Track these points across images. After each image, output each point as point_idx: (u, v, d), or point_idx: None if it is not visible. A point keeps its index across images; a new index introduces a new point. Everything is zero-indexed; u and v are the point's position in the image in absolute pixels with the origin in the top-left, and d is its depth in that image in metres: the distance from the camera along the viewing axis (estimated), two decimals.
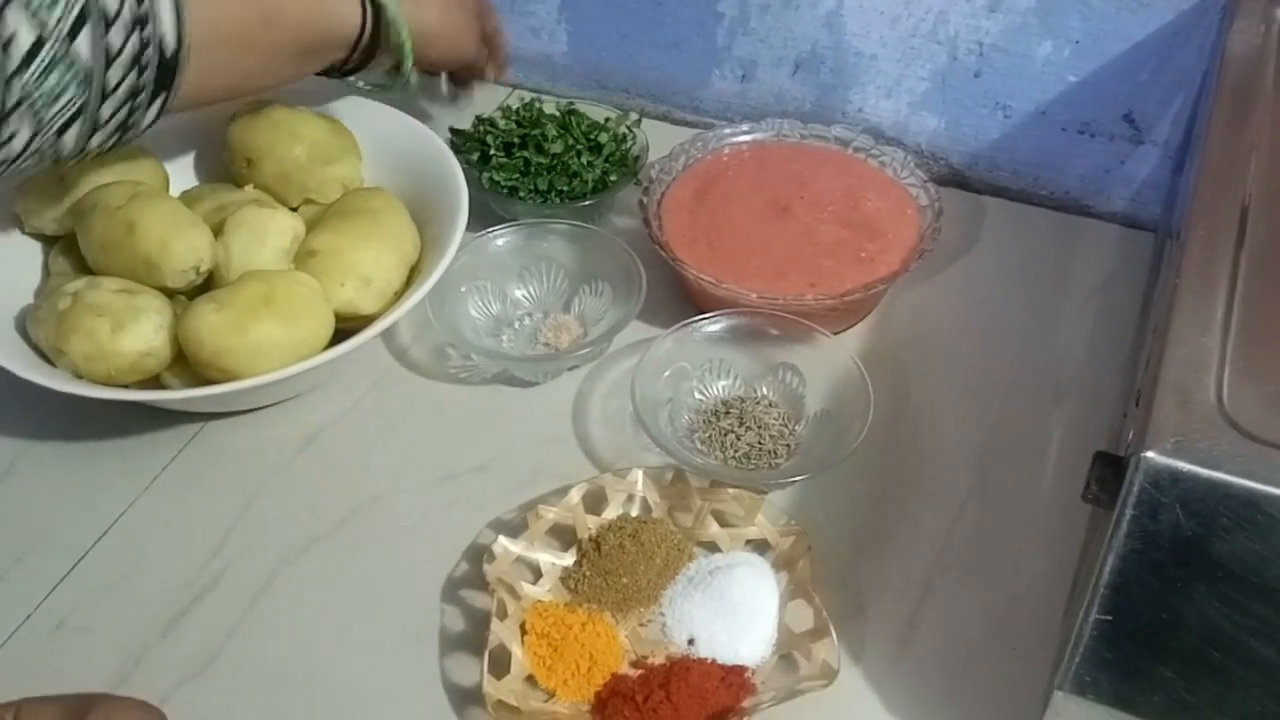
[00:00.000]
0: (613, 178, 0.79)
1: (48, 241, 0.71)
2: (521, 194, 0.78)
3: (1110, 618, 0.44)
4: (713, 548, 0.61)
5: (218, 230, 0.67)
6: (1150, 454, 0.41)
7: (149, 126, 0.59)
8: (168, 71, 0.57)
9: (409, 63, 0.69)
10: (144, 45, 0.55)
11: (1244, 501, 0.40)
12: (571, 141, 0.80)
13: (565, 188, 0.78)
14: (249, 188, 0.73)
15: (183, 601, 0.60)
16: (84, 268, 0.68)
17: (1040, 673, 0.53)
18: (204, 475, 0.66)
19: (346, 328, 0.66)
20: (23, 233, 0.71)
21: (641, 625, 0.58)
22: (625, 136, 0.82)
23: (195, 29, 0.57)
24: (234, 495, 0.65)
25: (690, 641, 0.57)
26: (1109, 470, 0.45)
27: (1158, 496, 0.41)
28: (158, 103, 0.58)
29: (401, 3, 0.67)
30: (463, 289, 0.72)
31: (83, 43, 0.52)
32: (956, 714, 0.55)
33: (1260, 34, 0.64)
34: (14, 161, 0.53)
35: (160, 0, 0.55)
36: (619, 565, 0.59)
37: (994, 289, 0.77)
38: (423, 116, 0.79)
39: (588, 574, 0.59)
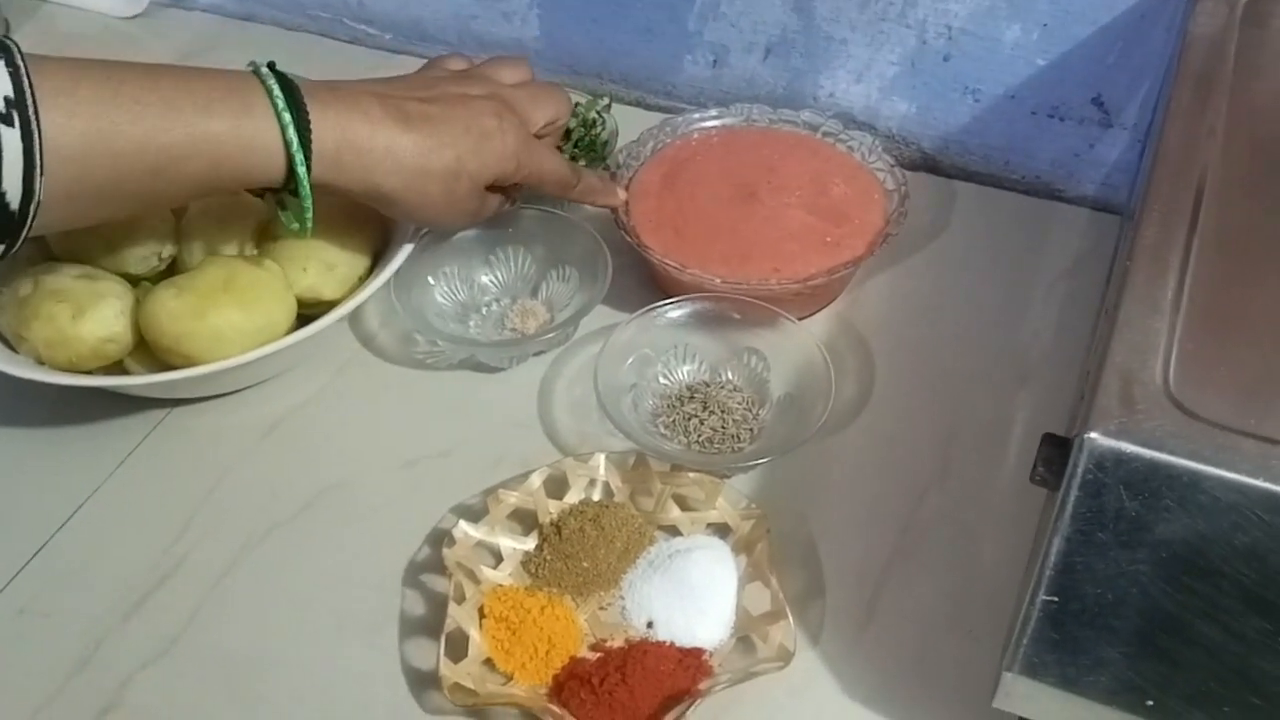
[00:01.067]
0: (582, 163, 0.79)
1: None
2: None
3: (1056, 599, 0.44)
4: (674, 531, 0.61)
5: (180, 215, 0.67)
6: (1094, 435, 0.41)
7: None
8: (7, 224, 0.51)
9: (307, 222, 0.61)
10: None
11: (1187, 483, 0.40)
12: None
13: None
14: None
15: (144, 587, 0.60)
16: (47, 253, 0.68)
17: (997, 655, 0.53)
18: (168, 461, 0.66)
19: (310, 314, 0.66)
20: None
21: (601, 609, 0.59)
22: (595, 121, 0.82)
23: (55, 181, 0.51)
24: (197, 481, 0.65)
25: (649, 624, 0.57)
26: (1055, 452, 0.45)
27: (1101, 478, 0.42)
28: None
29: (344, 162, 0.59)
30: (428, 275, 0.72)
31: None
32: (913, 696, 0.55)
33: (1224, 16, 0.64)
34: None
35: (4, 147, 0.49)
36: (579, 549, 0.59)
37: (962, 274, 0.77)
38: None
39: (548, 558, 0.59)
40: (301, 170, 0.57)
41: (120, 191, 0.54)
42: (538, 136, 0.67)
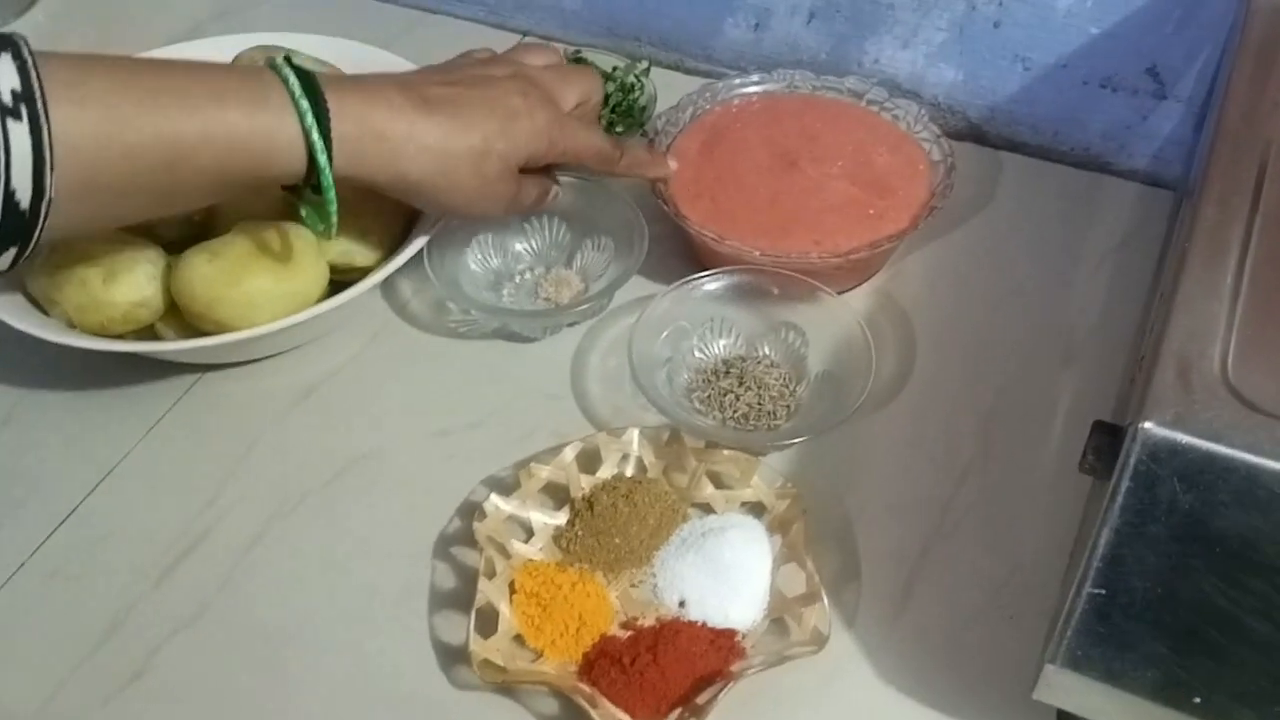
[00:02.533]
0: (619, 129, 0.77)
1: None
2: None
3: (1104, 591, 0.43)
4: (707, 509, 0.60)
5: None
6: (1148, 424, 0.40)
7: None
8: (19, 224, 0.49)
9: (331, 222, 0.58)
10: None
11: (1244, 476, 0.39)
12: None
13: None
14: None
15: (175, 552, 0.60)
16: None
17: (1037, 643, 0.51)
18: (200, 427, 0.66)
19: (343, 279, 0.66)
20: None
21: (633, 586, 0.58)
22: (633, 86, 0.80)
23: (66, 178, 0.49)
24: (229, 447, 0.65)
25: (681, 604, 0.56)
26: (1106, 440, 0.44)
27: (1155, 469, 0.40)
28: (7, 255, 0.50)
29: (367, 151, 0.57)
30: (463, 243, 0.71)
31: None
32: (949, 683, 0.54)
33: None
34: None
35: (12, 142, 0.47)
36: (611, 525, 0.58)
37: (1007, 248, 0.75)
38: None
39: (580, 533, 0.59)
40: (323, 159, 0.55)
41: (133, 187, 0.52)
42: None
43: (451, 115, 0.58)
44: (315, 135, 0.54)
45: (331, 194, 0.56)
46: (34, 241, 0.50)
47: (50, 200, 0.49)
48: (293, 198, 0.59)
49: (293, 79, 0.55)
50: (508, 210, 0.63)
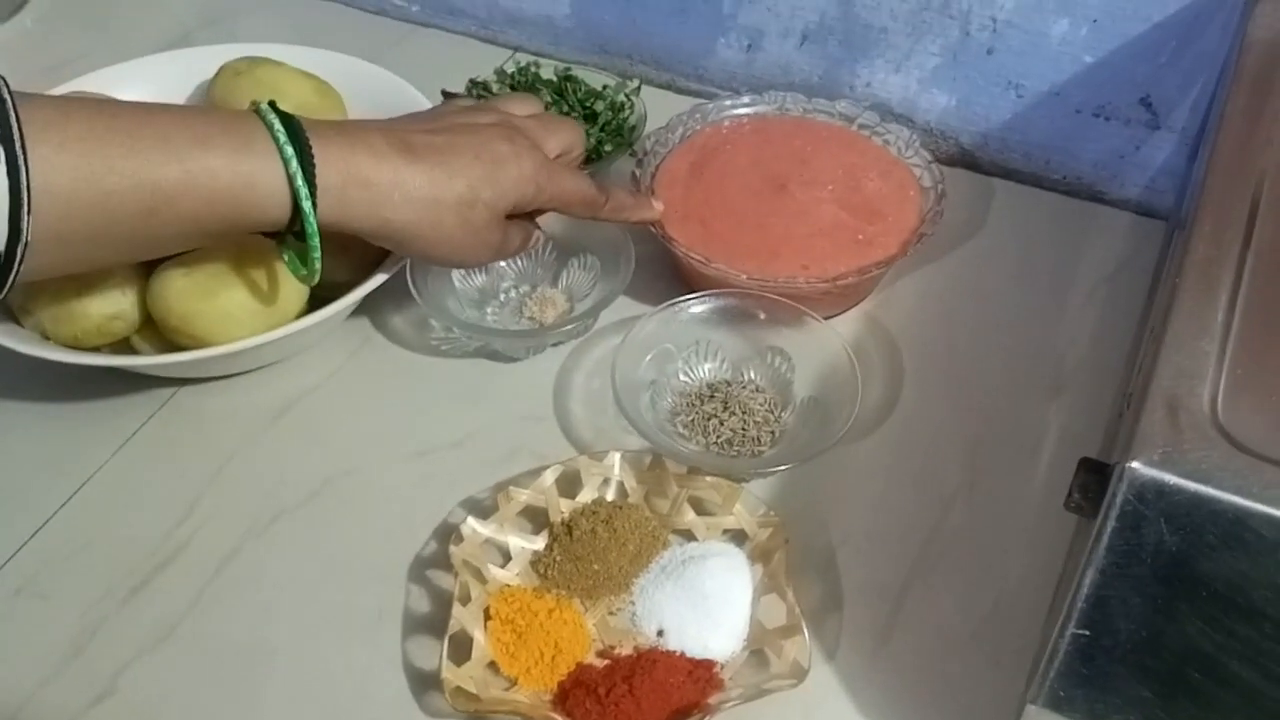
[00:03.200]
0: (608, 148, 0.77)
1: None
2: None
3: (1087, 633, 0.42)
4: (688, 536, 0.59)
5: None
6: (1135, 464, 0.39)
7: None
8: None
9: (315, 268, 0.57)
10: None
11: (1233, 519, 0.38)
12: (566, 109, 0.77)
13: None
14: None
15: (145, 570, 0.59)
16: None
17: (1019, 680, 0.51)
18: (173, 443, 0.65)
19: (323, 295, 0.65)
20: None
21: (611, 614, 0.57)
22: (623, 105, 0.80)
23: (44, 222, 0.48)
24: (203, 463, 0.64)
25: (660, 633, 0.55)
26: (1093, 478, 0.43)
27: (1141, 509, 0.39)
28: None
29: (351, 198, 0.55)
30: None
31: None
32: (930, 718, 0.53)
33: None
34: None
35: None
36: (590, 551, 0.57)
37: (997, 276, 0.74)
38: None
39: (558, 559, 0.58)
40: (307, 206, 0.53)
41: (112, 233, 0.51)
42: None
43: (437, 163, 0.57)
44: (300, 182, 0.53)
45: (316, 240, 0.55)
46: (9, 285, 0.49)
47: (27, 244, 0.48)
48: (275, 243, 0.58)
49: (277, 124, 0.53)
50: (493, 258, 0.62)
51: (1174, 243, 0.62)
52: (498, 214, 0.59)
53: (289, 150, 0.53)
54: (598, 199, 0.64)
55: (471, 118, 0.62)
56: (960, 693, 0.54)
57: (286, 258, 0.59)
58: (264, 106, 0.54)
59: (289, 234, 0.56)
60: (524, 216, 0.63)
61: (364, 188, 0.55)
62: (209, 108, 0.53)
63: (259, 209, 0.53)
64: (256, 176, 0.53)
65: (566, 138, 0.64)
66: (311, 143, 0.54)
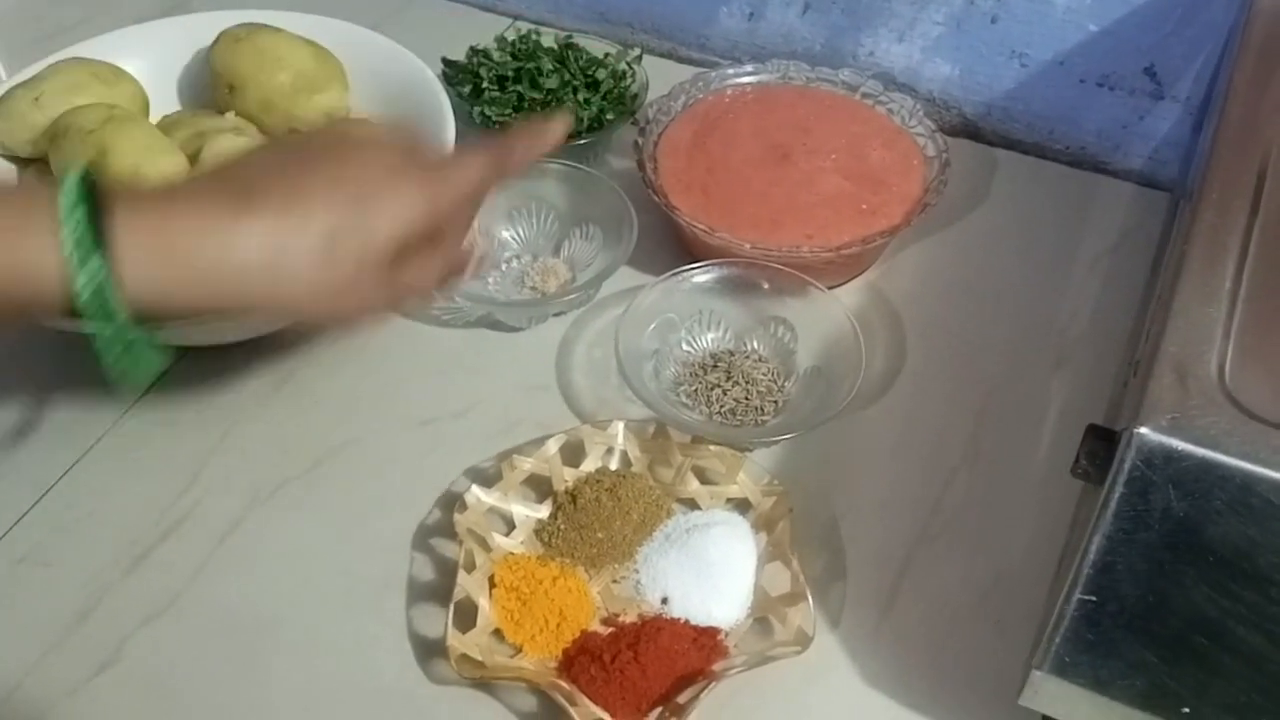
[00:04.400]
0: (609, 116, 0.76)
1: (22, 164, 0.69)
2: None
3: (1094, 598, 0.42)
4: (692, 505, 0.59)
5: (194, 158, 0.65)
6: (1144, 430, 0.39)
7: None
8: None
9: (128, 370, 0.45)
10: None
11: (1240, 484, 0.38)
12: (568, 77, 0.77)
13: None
14: (230, 115, 0.71)
15: (148, 539, 0.59)
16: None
17: (1023, 648, 0.51)
18: (176, 410, 0.65)
19: None
20: None
21: (615, 582, 0.57)
22: (624, 74, 0.79)
23: None
24: (206, 432, 0.64)
25: (664, 600, 0.55)
26: (1100, 445, 0.43)
27: (1149, 475, 0.39)
28: None
29: (160, 276, 0.43)
30: None
31: None
32: (934, 686, 0.53)
33: None
34: None
35: None
36: (594, 519, 0.57)
37: (1000, 247, 0.74)
38: None
39: (562, 527, 0.58)
40: (81, 283, 0.41)
41: None
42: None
43: (283, 208, 0.45)
44: (70, 252, 0.41)
45: (109, 330, 0.43)
46: None
47: None
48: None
49: (72, 194, 0.42)
50: (388, 309, 0.51)
51: (1180, 212, 0.62)
52: (376, 260, 0.46)
53: (72, 223, 0.41)
54: (503, 165, 0.52)
55: (334, 137, 0.51)
56: (964, 660, 0.54)
57: (100, 349, 0.45)
58: (71, 175, 0.43)
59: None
60: (440, 240, 0.50)
61: (184, 263, 0.43)
62: (9, 184, 0.45)
63: (28, 290, 0.42)
64: (30, 255, 0.42)
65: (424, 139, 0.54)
66: (116, 213, 0.42)
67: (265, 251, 0.44)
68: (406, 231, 0.47)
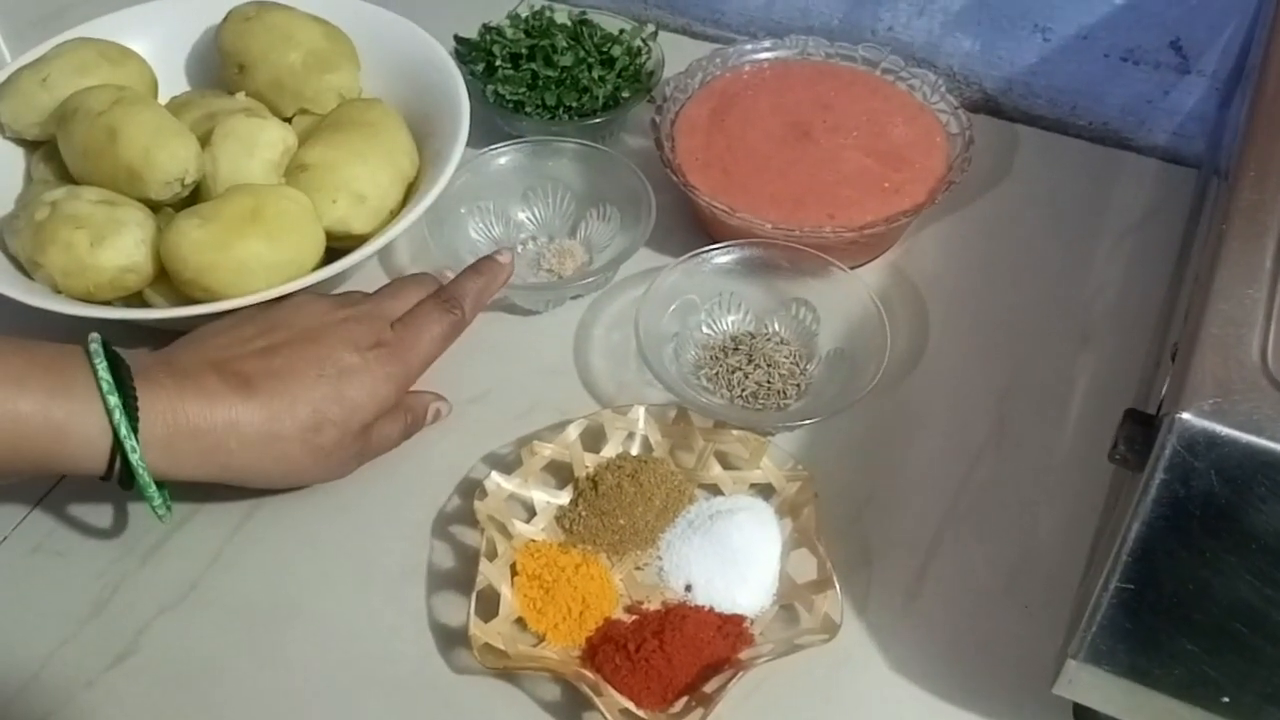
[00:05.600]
0: (625, 94, 0.75)
1: (29, 147, 0.68)
2: (528, 109, 0.74)
3: (1132, 586, 0.42)
4: (715, 490, 0.59)
5: (205, 140, 0.64)
6: (1186, 415, 0.38)
7: None
8: None
9: (158, 514, 0.52)
10: None
11: None
12: (583, 54, 0.75)
13: (574, 104, 0.74)
14: (240, 95, 0.70)
15: (163, 528, 0.58)
16: (66, 176, 0.65)
17: (1052, 633, 0.50)
18: None
19: (338, 247, 0.63)
20: (3, 137, 0.68)
21: (638, 569, 0.56)
22: (640, 50, 0.78)
23: None
24: None
25: (687, 588, 0.55)
26: (1139, 430, 0.42)
27: (1191, 461, 0.38)
28: None
29: (179, 449, 0.51)
30: (463, 209, 0.69)
31: None
32: (963, 672, 0.53)
33: None
34: None
35: None
36: (616, 506, 0.56)
37: (1023, 224, 0.73)
38: None
39: (583, 514, 0.57)
40: (135, 459, 0.49)
41: None
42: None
43: (276, 392, 0.53)
44: (125, 432, 0.49)
45: (150, 490, 0.51)
46: None
47: None
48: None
49: (103, 369, 0.49)
50: (359, 466, 0.58)
51: (1211, 190, 0.61)
52: (351, 429, 0.55)
53: (113, 400, 0.49)
54: (458, 323, 0.59)
55: (305, 315, 0.57)
56: (993, 646, 0.53)
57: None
58: (95, 347, 0.50)
59: (112, 480, 0.51)
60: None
61: (194, 437, 0.51)
62: (41, 344, 0.51)
63: (69, 458, 0.50)
64: (70, 425, 0.49)
65: (412, 292, 0.60)
66: (137, 390, 0.50)
67: (264, 426, 0.52)
68: (379, 409, 0.56)
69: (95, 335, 0.51)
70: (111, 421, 0.49)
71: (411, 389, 0.59)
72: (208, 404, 0.51)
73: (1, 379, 0.48)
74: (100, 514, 0.59)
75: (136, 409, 0.50)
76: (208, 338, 0.56)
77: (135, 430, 0.49)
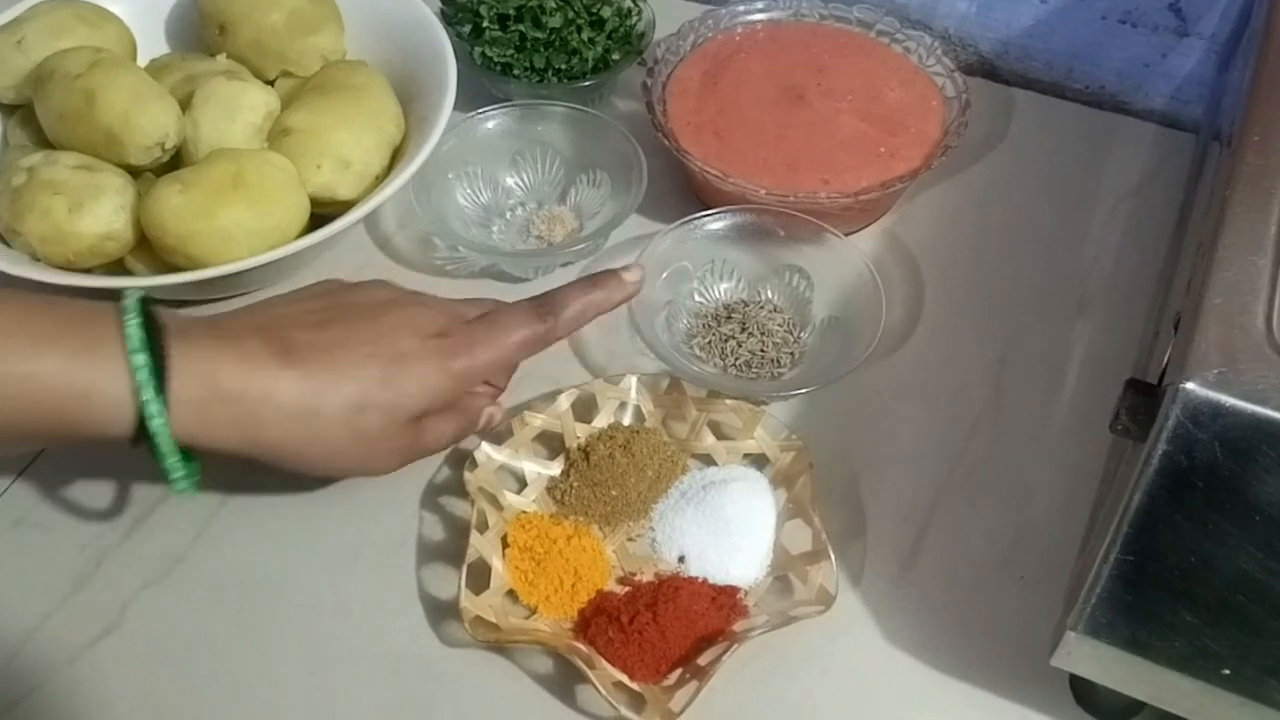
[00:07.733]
0: (615, 57, 0.74)
1: (5, 111, 0.66)
2: (516, 72, 0.72)
3: (1133, 558, 0.41)
4: (708, 461, 0.58)
5: (185, 103, 0.62)
6: (1190, 385, 0.38)
7: None
8: None
9: (176, 486, 0.48)
10: None
11: None
12: (572, 15, 0.74)
13: (563, 66, 0.73)
14: (221, 57, 0.68)
15: (148, 501, 0.57)
16: (44, 140, 0.63)
17: (1048, 604, 0.49)
18: None
19: (323, 213, 0.62)
20: None
21: (630, 540, 0.55)
22: (630, 11, 0.76)
23: None
24: None
25: (680, 559, 0.54)
26: (1141, 400, 0.41)
27: (1194, 431, 0.38)
28: None
29: (211, 416, 0.47)
30: (450, 175, 0.68)
31: None
32: (958, 644, 0.52)
33: None
34: None
35: None
36: (608, 476, 0.56)
37: (1018, 190, 0.72)
38: None
39: (575, 485, 0.56)
40: (156, 425, 0.45)
41: None
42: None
43: (321, 365, 0.49)
44: (148, 396, 0.45)
45: (170, 460, 0.47)
46: None
47: None
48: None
49: (134, 326, 0.46)
50: (407, 462, 0.53)
51: (1211, 155, 0.60)
52: (398, 419, 0.50)
53: (140, 359, 0.45)
54: (545, 330, 0.54)
55: (372, 295, 0.54)
56: (988, 617, 0.53)
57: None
58: (128, 303, 0.47)
59: (139, 446, 0.47)
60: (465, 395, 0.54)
61: (227, 403, 0.47)
62: (71, 301, 0.47)
63: (93, 423, 0.46)
64: (93, 386, 0.45)
65: (485, 303, 0.56)
66: (172, 349, 0.46)
67: (303, 400, 0.48)
68: (431, 401, 0.51)
69: (132, 290, 0.48)
70: (135, 384, 0.45)
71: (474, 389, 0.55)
72: (245, 368, 0.48)
73: (23, 337, 0.45)
74: (84, 487, 0.58)
75: (166, 370, 0.46)
76: (267, 306, 0.53)
77: (162, 392, 0.46)
